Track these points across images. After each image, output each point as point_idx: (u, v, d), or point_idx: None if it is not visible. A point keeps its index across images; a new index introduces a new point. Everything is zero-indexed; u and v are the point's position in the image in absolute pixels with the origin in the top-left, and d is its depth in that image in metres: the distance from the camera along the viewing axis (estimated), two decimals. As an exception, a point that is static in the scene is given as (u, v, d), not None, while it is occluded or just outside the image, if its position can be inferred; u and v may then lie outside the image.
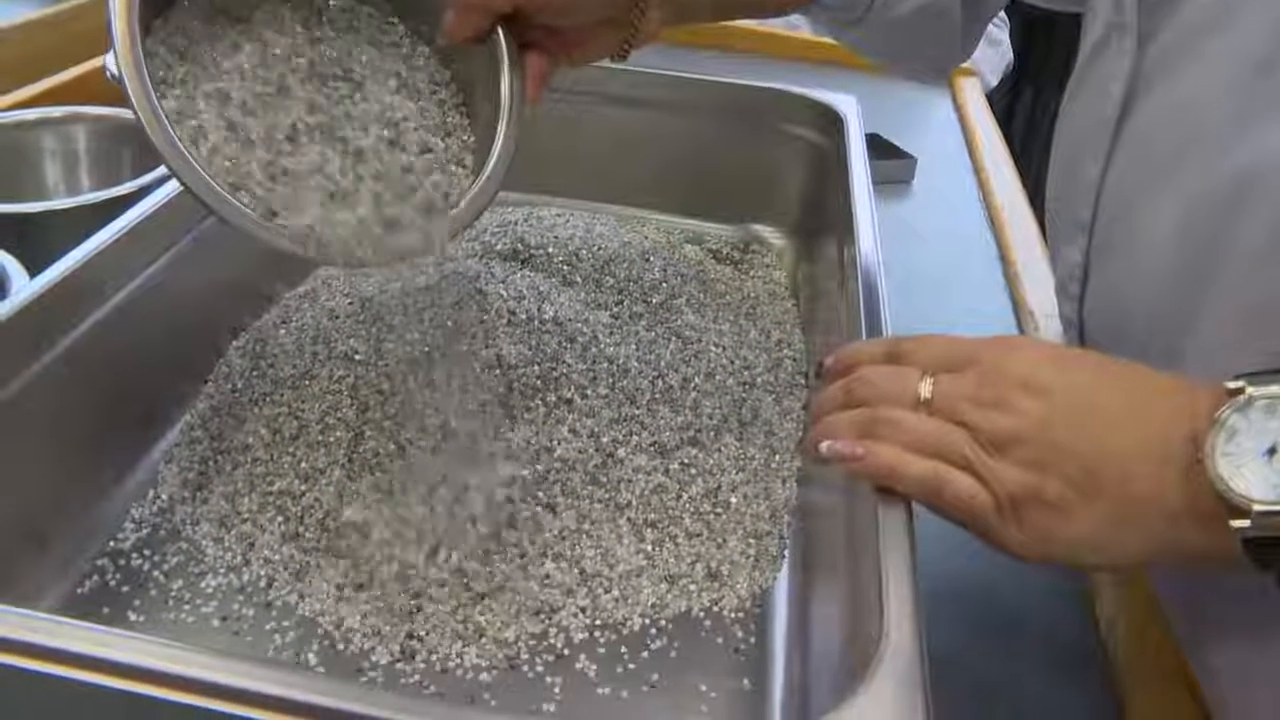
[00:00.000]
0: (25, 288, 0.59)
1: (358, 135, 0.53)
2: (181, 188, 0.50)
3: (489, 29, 0.59)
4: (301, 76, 0.54)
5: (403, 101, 0.56)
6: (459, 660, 0.53)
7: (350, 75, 0.55)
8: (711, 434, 0.68)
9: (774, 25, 1.60)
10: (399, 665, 0.53)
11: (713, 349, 0.75)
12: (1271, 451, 0.42)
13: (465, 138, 0.58)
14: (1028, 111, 2.38)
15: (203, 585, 0.57)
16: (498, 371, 0.65)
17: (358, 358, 0.67)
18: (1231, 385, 0.43)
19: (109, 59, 1.03)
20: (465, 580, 0.56)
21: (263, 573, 0.57)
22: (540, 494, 0.61)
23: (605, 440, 0.65)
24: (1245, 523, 0.42)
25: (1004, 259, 1.04)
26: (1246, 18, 0.51)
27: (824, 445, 0.50)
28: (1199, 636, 0.56)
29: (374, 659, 0.53)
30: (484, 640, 0.54)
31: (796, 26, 1.64)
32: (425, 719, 0.37)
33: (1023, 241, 1.05)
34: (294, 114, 0.53)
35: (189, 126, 0.51)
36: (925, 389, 0.50)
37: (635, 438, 0.66)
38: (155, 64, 0.51)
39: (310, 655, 0.53)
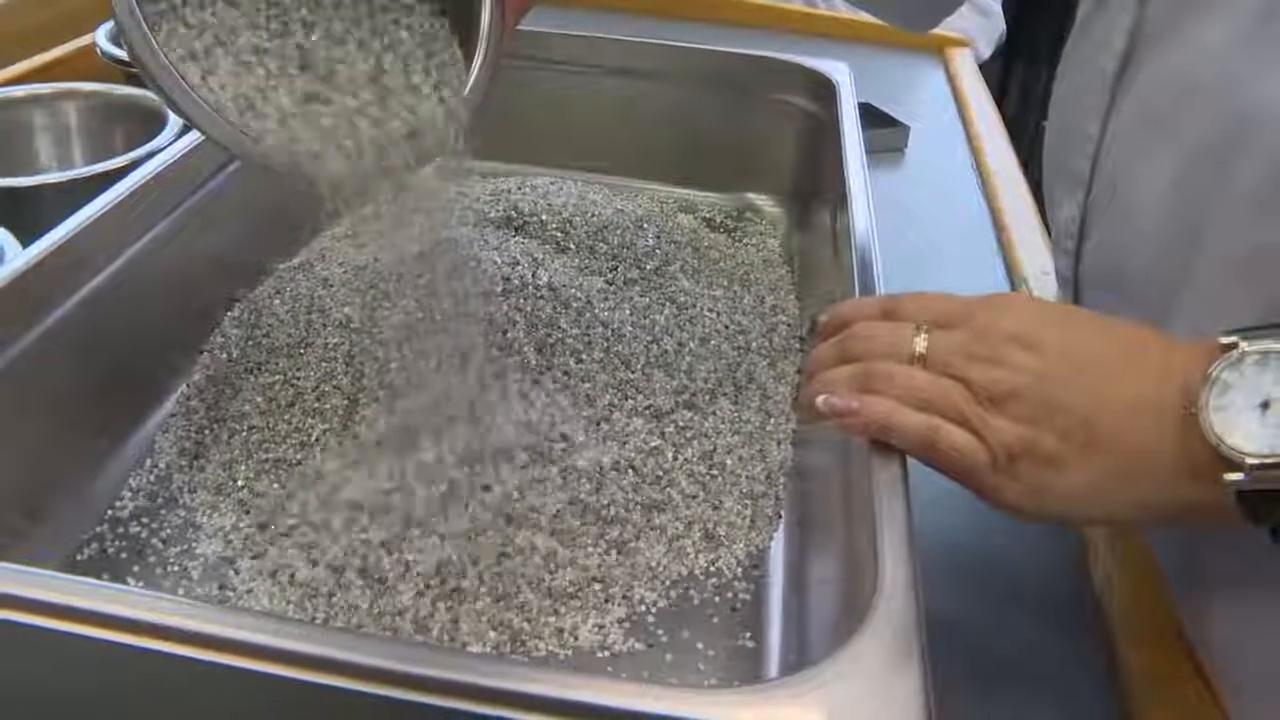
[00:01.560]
0: (17, 257, 0.58)
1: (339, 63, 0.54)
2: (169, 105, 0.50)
3: None
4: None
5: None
6: (456, 626, 0.53)
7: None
8: (706, 397, 0.68)
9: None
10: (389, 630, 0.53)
11: (707, 314, 0.75)
12: (1264, 406, 0.42)
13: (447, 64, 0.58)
14: (1020, 84, 2.38)
15: (200, 552, 0.57)
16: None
17: (353, 325, 0.67)
18: (1224, 340, 0.44)
19: (100, 35, 1.02)
20: (462, 546, 0.56)
21: (260, 539, 0.57)
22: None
23: (601, 404, 0.65)
24: (1239, 476, 0.42)
25: (997, 227, 1.04)
26: None
27: (820, 400, 0.50)
28: (1193, 592, 0.56)
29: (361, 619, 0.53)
30: (482, 604, 0.54)
31: (789, -2, 1.63)
32: (424, 669, 0.37)
33: (1017, 210, 1.05)
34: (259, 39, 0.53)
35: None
36: (920, 344, 0.50)
37: (630, 401, 0.66)
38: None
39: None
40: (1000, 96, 2.33)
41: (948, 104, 1.35)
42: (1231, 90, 0.51)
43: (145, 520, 0.59)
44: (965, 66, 1.45)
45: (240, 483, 0.60)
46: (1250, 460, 0.42)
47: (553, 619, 0.54)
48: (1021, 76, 2.39)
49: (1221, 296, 0.52)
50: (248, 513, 0.59)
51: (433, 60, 0.57)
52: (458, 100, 0.55)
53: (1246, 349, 0.43)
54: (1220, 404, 0.43)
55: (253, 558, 0.56)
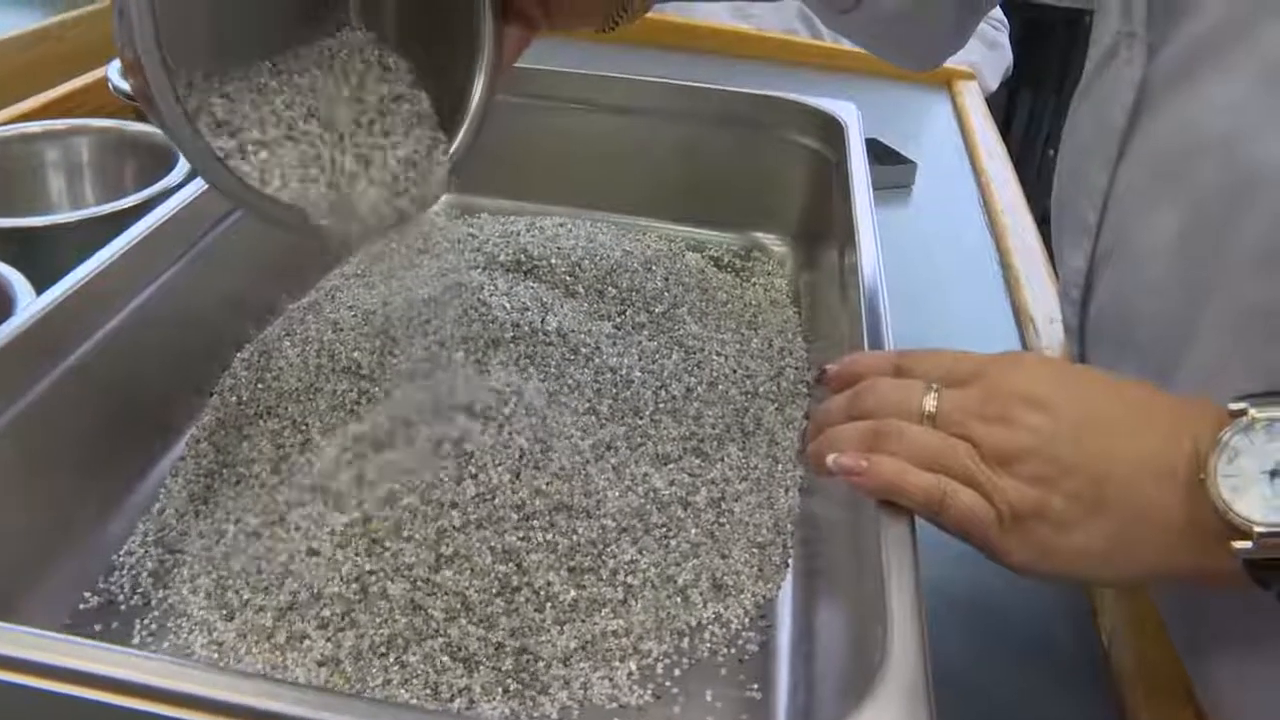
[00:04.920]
0: (36, 303, 0.59)
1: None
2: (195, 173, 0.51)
3: None
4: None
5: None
6: (461, 678, 0.53)
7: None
8: (714, 443, 0.68)
9: (773, 30, 1.61)
10: (402, 689, 0.52)
11: (715, 359, 0.75)
12: (1273, 473, 0.43)
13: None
14: (1026, 115, 2.39)
15: (203, 604, 0.56)
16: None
17: (362, 371, 0.68)
18: (1234, 406, 0.44)
19: (112, 70, 1.03)
20: (471, 599, 0.56)
21: (264, 595, 0.57)
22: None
23: (610, 452, 0.65)
24: (1247, 544, 0.42)
25: (1004, 264, 1.04)
26: (1259, 27, 0.51)
27: (830, 459, 0.50)
28: (1198, 649, 0.56)
29: (374, 681, 0.52)
30: (493, 659, 0.54)
31: (793, 30, 1.64)
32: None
33: (1023, 246, 1.06)
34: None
35: None
36: (930, 403, 0.50)
37: (640, 449, 0.66)
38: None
39: (317, 675, 0.53)
40: (1005, 123, 2.34)
41: (954, 138, 1.35)
42: (1239, 147, 0.51)
43: (152, 567, 0.59)
44: (972, 100, 1.45)
45: (249, 532, 0.60)
46: (1259, 529, 0.42)
47: (564, 671, 0.54)
48: (1028, 104, 2.40)
49: (1225, 353, 0.52)
50: (254, 566, 0.58)
51: (414, 122, 0.58)
52: (443, 163, 0.58)
53: (1256, 415, 0.43)
54: (1229, 471, 0.43)
55: (256, 614, 0.55)
